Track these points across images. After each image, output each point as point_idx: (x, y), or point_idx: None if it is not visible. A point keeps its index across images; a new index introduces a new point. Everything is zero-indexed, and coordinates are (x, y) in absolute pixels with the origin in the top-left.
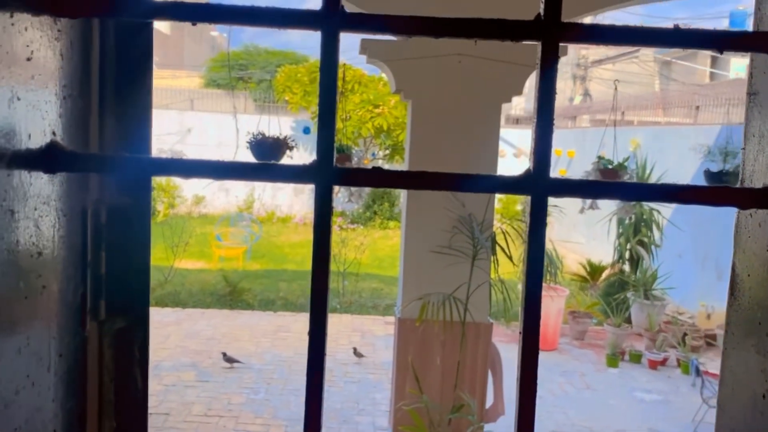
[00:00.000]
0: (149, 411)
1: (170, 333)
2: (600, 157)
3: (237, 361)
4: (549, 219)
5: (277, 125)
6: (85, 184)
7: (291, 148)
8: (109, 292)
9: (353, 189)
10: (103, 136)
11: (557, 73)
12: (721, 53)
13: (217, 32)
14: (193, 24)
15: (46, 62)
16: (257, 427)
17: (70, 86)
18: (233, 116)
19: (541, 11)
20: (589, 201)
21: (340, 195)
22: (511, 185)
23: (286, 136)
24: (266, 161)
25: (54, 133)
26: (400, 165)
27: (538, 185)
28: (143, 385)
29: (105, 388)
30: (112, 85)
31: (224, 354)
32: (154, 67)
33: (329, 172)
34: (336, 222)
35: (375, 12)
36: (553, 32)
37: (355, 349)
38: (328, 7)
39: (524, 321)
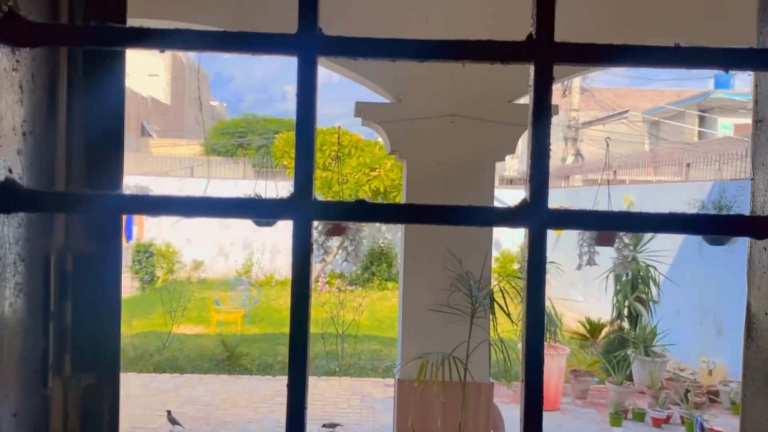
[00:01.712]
0: None
1: (168, 399)
2: None
3: (179, 425)
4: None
5: (275, 189)
6: (48, 228)
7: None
8: (76, 346)
9: (350, 249)
10: (71, 175)
11: (551, 96)
12: (726, 71)
13: (216, 102)
14: (161, 51)
15: (0, 95)
16: None
17: (31, 122)
18: (234, 183)
19: (533, 31)
20: (586, 257)
21: (338, 256)
22: (507, 217)
23: (282, 198)
24: (262, 222)
25: (10, 170)
26: (396, 226)
27: (536, 216)
28: None
29: None
30: (80, 119)
31: (168, 413)
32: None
33: (308, 206)
34: (334, 283)
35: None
36: (546, 52)
37: (324, 424)
38: (304, 29)
39: (527, 367)
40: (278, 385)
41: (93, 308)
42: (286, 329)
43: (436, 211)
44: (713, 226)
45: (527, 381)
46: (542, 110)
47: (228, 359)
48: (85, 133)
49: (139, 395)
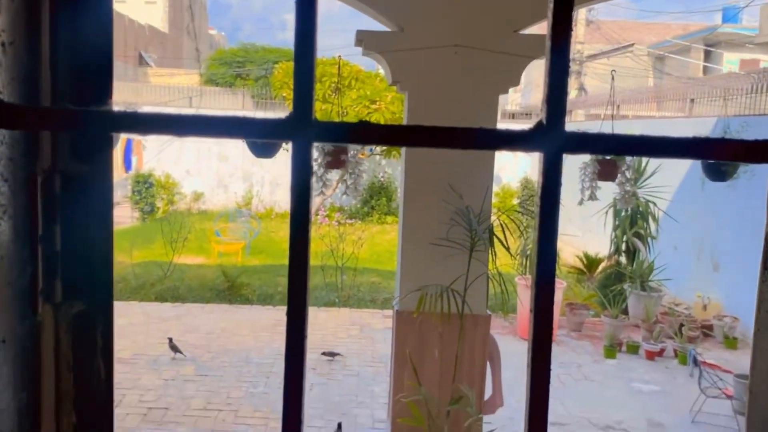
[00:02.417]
0: (148, 406)
1: (170, 328)
2: None
3: (179, 352)
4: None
5: None
6: (34, 148)
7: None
8: (66, 271)
9: (350, 182)
10: (56, 92)
11: (573, 8)
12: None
13: (215, 30)
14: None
15: None
16: (256, 421)
17: (10, 32)
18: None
19: None
20: (588, 192)
21: (338, 190)
22: (520, 140)
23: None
24: (261, 156)
25: None
26: (396, 160)
27: (552, 139)
28: (107, 375)
29: (63, 379)
30: (66, 31)
31: (170, 341)
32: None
33: (308, 126)
34: (334, 217)
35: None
36: None
37: (324, 352)
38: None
39: (536, 297)
40: (278, 315)
41: (83, 232)
42: (286, 261)
43: (443, 133)
44: (738, 153)
45: (537, 310)
46: (563, 21)
47: (229, 289)
48: (71, 46)
49: (141, 323)
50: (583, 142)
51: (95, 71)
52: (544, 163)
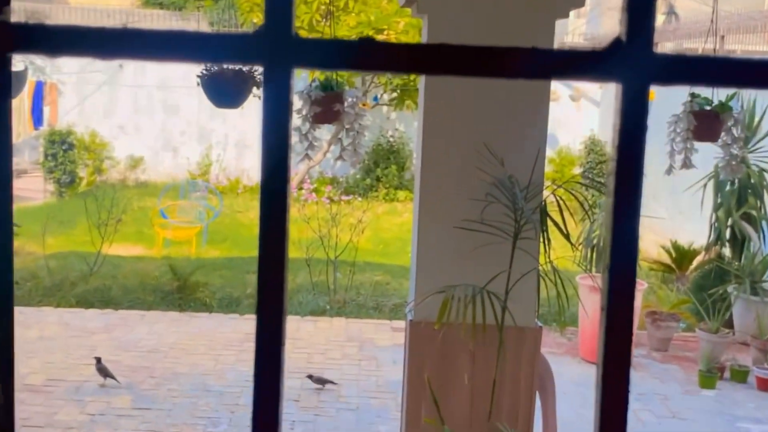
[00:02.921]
0: None
1: (97, 343)
2: (694, 95)
3: (111, 377)
4: None
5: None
6: None
7: (260, 84)
8: None
9: (346, 143)
10: None
11: None
12: None
13: None
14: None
15: None
16: None
17: None
18: None
19: None
20: (680, 157)
21: (330, 155)
22: (588, 65)
23: (252, 69)
24: (223, 105)
25: None
26: (411, 112)
27: (635, 63)
28: (7, 405)
29: None
30: None
31: (98, 361)
32: None
33: (286, 45)
34: (324, 191)
35: None
36: None
37: (311, 376)
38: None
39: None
40: (247, 326)
41: None
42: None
43: (475, 54)
44: None
45: (609, 323)
46: None
47: (179, 291)
48: None
49: (58, 337)
50: (680, 67)
51: None
52: (623, 99)
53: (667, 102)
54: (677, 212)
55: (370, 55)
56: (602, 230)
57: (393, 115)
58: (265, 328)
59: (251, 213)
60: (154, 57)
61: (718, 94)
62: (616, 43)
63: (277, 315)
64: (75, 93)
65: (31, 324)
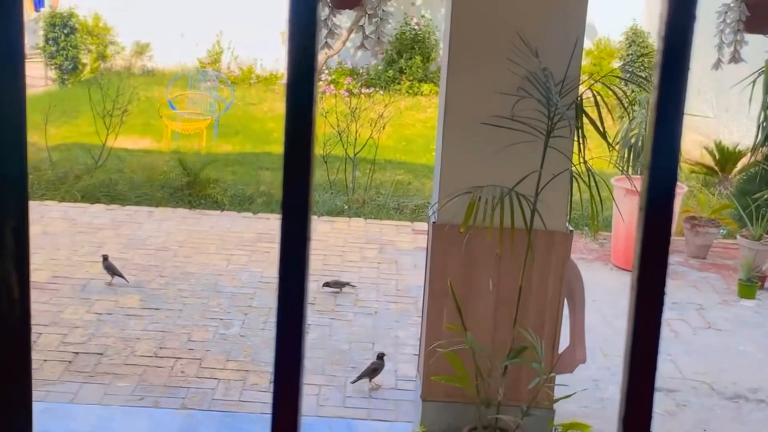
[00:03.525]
0: (74, 349)
1: (104, 240)
2: None
3: (119, 275)
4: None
5: None
6: None
7: None
8: None
9: (369, 30)
10: None
11: None
12: None
13: None
14: None
15: None
16: (229, 374)
17: None
18: None
19: None
20: (729, 50)
21: (350, 43)
22: None
23: None
24: None
25: None
26: (436, 16)
27: None
28: (23, 295)
29: None
30: None
31: (105, 259)
32: None
33: None
34: (343, 83)
35: None
36: None
37: (327, 283)
38: None
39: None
40: (260, 226)
41: None
42: (272, 147)
43: None
44: None
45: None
46: None
47: (188, 187)
48: None
49: (62, 233)
50: None
51: None
52: None
53: None
54: (723, 110)
55: None
56: (641, 129)
57: (419, 0)
58: (290, 228)
59: (264, 105)
60: None
61: None
62: None
63: (302, 214)
64: None
65: (34, 219)
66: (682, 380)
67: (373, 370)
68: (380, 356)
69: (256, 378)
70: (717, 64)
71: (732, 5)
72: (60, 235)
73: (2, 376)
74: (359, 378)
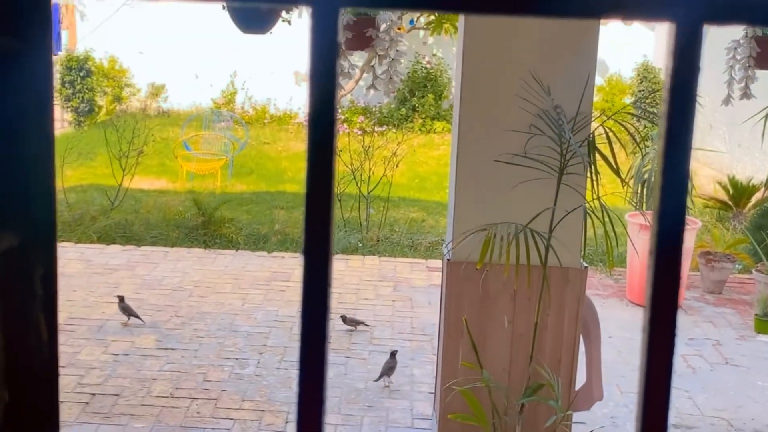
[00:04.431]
0: (91, 390)
1: (120, 281)
2: None
3: (135, 316)
4: None
5: None
6: None
7: (288, 9)
8: None
9: (380, 71)
10: None
11: None
12: None
13: None
14: None
15: None
16: (245, 413)
17: None
18: None
19: None
20: (740, 86)
21: (362, 82)
22: (640, 4)
23: None
24: (248, 29)
25: None
26: (451, 37)
27: (689, 1)
28: (51, 336)
29: None
30: None
31: (121, 300)
32: None
33: None
34: (356, 122)
35: None
36: None
37: (344, 317)
38: None
39: (657, 250)
40: (275, 264)
41: (14, 135)
42: (286, 186)
43: None
44: None
45: (658, 264)
46: None
47: (203, 226)
48: None
49: (79, 274)
50: (736, 6)
51: None
52: (676, 39)
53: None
54: (736, 145)
55: None
56: (654, 164)
57: (430, 39)
58: (312, 268)
59: (278, 145)
60: None
61: None
62: None
63: (324, 254)
64: (95, 16)
65: None
66: (700, 417)
67: (389, 368)
68: (393, 354)
69: (272, 417)
70: (727, 100)
71: (742, 41)
72: (76, 276)
73: (32, 417)
74: (380, 377)
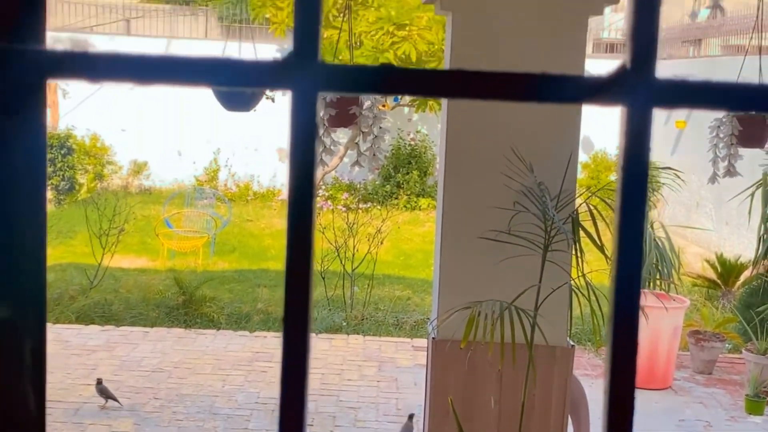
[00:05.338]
0: None
1: (98, 362)
2: None
3: (113, 399)
4: (660, 196)
5: (254, 55)
6: None
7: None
8: None
9: (364, 147)
10: None
11: None
12: None
13: None
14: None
15: None
16: None
17: None
18: (190, 44)
19: None
20: (723, 165)
21: (347, 159)
22: (594, 90)
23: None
24: (233, 108)
25: None
26: (434, 114)
27: (639, 89)
28: (38, 408)
29: None
30: None
31: (99, 382)
32: None
33: (312, 70)
34: (340, 199)
35: None
36: None
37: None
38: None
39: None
40: (257, 344)
41: (7, 212)
42: (268, 264)
43: (488, 81)
44: None
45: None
46: None
47: (184, 306)
48: None
49: (55, 355)
50: (682, 93)
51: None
52: (628, 122)
53: None
54: (723, 223)
55: (391, 80)
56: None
57: (414, 116)
58: (291, 348)
59: (261, 222)
60: (192, 82)
61: None
62: (622, 70)
63: (302, 333)
64: (76, 93)
65: None
66: None
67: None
68: (410, 417)
69: None
70: (713, 178)
71: (724, 120)
72: (53, 357)
73: None
74: None
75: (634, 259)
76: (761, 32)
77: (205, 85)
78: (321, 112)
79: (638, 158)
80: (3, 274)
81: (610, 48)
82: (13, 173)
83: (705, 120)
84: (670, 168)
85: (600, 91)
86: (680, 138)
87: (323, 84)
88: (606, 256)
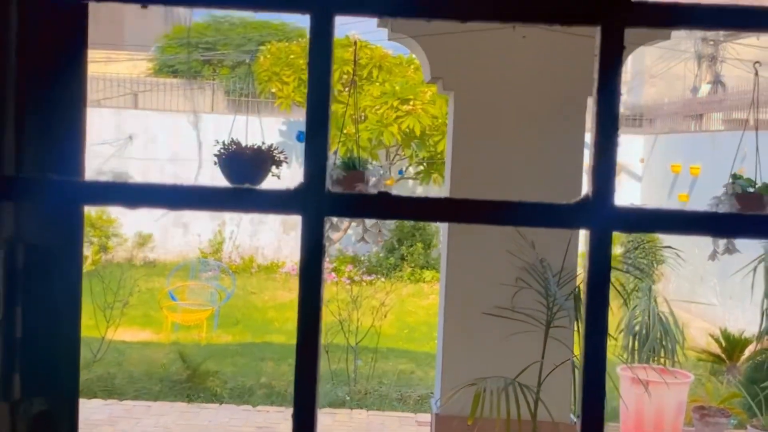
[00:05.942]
0: None
1: None
2: (736, 176)
3: None
4: (664, 270)
5: (260, 129)
6: None
7: (279, 163)
8: (26, 363)
9: (368, 223)
10: (22, 155)
11: (621, 66)
12: None
13: None
14: (143, 6)
15: None
16: None
17: None
18: (193, 117)
19: None
20: (722, 242)
21: (351, 231)
22: (563, 217)
23: (272, 146)
24: (240, 184)
25: None
26: (438, 188)
27: (600, 216)
28: None
29: None
30: (33, 86)
31: None
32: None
33: (319, 199)
34: (344, 271)
35: None
36: (616, 14)
37: None
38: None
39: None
40: (260, 419)
41: (48, 316)
42: (272, 337)
43: (474, 206)
44: None
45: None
46: (610, 81)
47: (188, 380)
48: (39, 102)
49: None
50: (639, 218)
51: (66, 132)
52: (591, 243)
53: (712, 180)
54: (727, 298)
55: (389, 206)
56: (645, 317)
57: (419, 189)
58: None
59: (265, 294)
60: (218, 208)
61: (761, 175)
62: (585, 199)
63: (310, 409)
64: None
65: None
66: None
67: None
68: None
69: None
70: (713, 256)
71: (723, 198)
72: None
73: None
74: None
75: (598, 348)
76: (757, 108)
77: (231, 211)
78: (327, 186)
79: (600, 269)
80: (43, 369)
81: None
82: (55, 285)
83: (701, 198)
84: (670, 247)
85: (567, 216)
86: None
87: (329, 210)
88: (609, 333)
